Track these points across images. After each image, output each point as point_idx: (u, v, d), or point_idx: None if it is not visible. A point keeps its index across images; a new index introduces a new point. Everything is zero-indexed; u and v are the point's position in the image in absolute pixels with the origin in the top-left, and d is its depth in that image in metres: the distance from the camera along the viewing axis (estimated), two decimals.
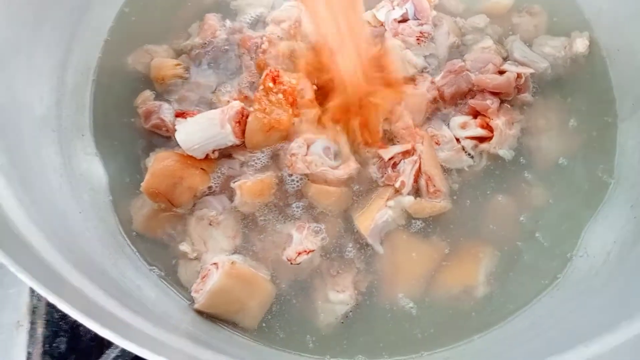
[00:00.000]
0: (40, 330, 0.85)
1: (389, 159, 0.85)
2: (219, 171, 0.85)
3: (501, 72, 0.89)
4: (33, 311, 0.86)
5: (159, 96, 0.90)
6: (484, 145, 0.87)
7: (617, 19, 0.96)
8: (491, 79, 0.88)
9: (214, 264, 0.77)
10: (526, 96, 0.91)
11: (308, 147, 0.85)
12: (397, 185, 0.83)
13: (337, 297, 0.80)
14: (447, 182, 0.86)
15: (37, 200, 0.64)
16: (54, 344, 0.85)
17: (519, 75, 0.89)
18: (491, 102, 0.87)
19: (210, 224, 0.83)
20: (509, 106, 0.90)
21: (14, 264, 0.47)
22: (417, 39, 0.93)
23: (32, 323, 0.85)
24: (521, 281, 0.82)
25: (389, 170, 0.85)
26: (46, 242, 0.58)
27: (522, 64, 0.92)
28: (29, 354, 0.83)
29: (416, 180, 0.84)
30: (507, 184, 0.87)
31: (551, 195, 0.87)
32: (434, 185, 0.84)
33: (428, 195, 0.84)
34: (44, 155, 0.76)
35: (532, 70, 0.91)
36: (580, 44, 0.95)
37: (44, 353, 0.83)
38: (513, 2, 0.99)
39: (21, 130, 0.71)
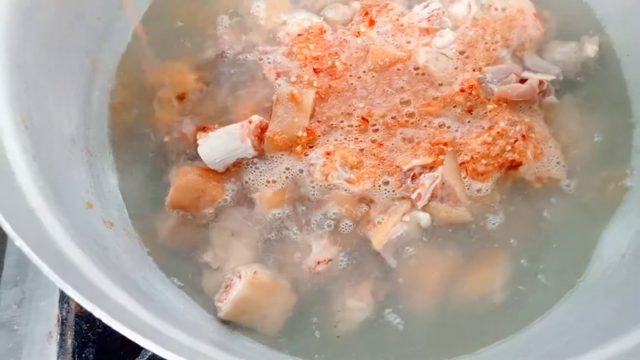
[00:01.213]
0: (69, 341, 0.89)
1: (408, 170, 0.87)
2: (239, 182, 0.88)
3: (522, 81, 0.90)
4: (62, 322, 0.89)
5: (178, 111, 0.93)
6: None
7: (629, 19, 0.96)
8: (514, 88, 0.89)
9: (237, 274, 0.80)
10: (552, 98, 0.92)
11: (327, 158, 0.87)
12: (414, 196, 0.85)
13: (355, 305, 0.83)
14: (467, 194, 0.86)
15: (73, 219, 0.67)
16: (83, 355, 0.88)
17: (540, 82, 0.90)
18: (520, 129, 0.87)
19: (231, 235, 0.86)
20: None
21: (61, 281, 0.50)
22: (429, 20, 0.94)
23: (62, 334, 0.89)
24: (538, 288, 0.83)
25: (408, 181, 0.86)
26: (86, 259, 0.61)
27: (535, 71, 0.93)
28: None
29: (434, 195, 0.85)
30: (525, 192, 0.88)
31: (568, 201, 0.88)
32: (455, 196, 0.86)
33: (447, 203, 0.86)
34: (75, 174, 0.79)
35: (553, 77, 0.91)
36: (590, 49, 0.96)
37: None
38: None
39: (54, 151, 0.75)
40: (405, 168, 0.86)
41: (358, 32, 0.96)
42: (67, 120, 0.81)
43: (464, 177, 0.87)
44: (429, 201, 0.85)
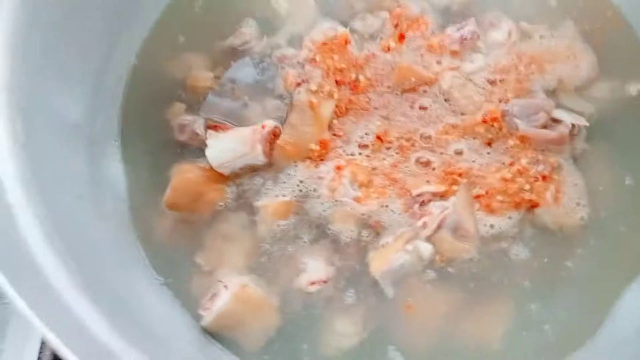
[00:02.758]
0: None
1: (417, 195, 0.83)
2: (242, 188, 0.85)
3: (552, 120, 0.84)
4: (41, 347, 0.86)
5: (189, 107, 0.90)
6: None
7: None
8: (541, 134, 0.83)
9: (225, 284, 0.77)
10: (582, 144, 0.86)
11: (337, 172, 0.84)
12: (419, 224, 0.80)
13: (345, 330, 0.79)
14: (479, 229, 0.81)
15: (57, 212, 0.65)
16: None
17: (573, 126, 0.84)
18: (543, 168, 0.82)
19: (227, 241, 0.83)
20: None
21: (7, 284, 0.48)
22: (461, 43, 0.89)
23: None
24: (542, 340, 0.78)
25: (416, 206, 0.82)
26: (54, 261, 0.59)
27: (569, 110, 0.87)
28: None
29: (441, 225, 0.81)
30: (550, 238, 0.82)
31: (594, 254, 0.82)
32: (464, 230, 0.81)
33: (455, 235, 0.81)
34: (70, 163, 0.77)
35: (586, 123, 0.85)
36: (633, 88, 0.89)
37: None
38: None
39: (49, 139, 0.73)
40: (414, 193, 0.82)
41: (388, 48, 0.91)
42: (72, 105, 0.79)
43: (477, 210, 0.82)
44: (435, 232, 0.80)
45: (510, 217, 0.82)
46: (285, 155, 0.85)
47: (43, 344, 0.86)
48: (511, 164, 0.83)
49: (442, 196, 0.82)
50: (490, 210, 0.82)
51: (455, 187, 0.82)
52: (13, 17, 0.68)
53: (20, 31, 0.69)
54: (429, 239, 0.80)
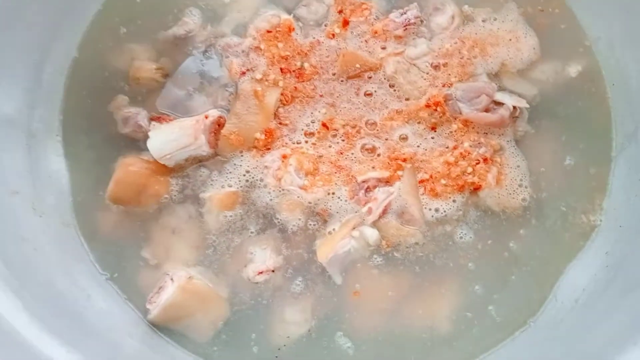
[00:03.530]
0: None
1: (363, 181, 0.83)
2: (188, 179, 0.84)
3: (495, 103, 0.85)
4: None
5: (132, 98, 0.88)
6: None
7: (617, 48, 0.91)
8: (481, 117, 0.84)
9: (171, 278, 0.77)
10: (524, 125, 0.87)
11: (283, 161, 0.84)
12: (364, 210, 0.81)
13: (294, 318, 0.79)
14: (424, 213, 0.82)
15: None
16: None
17: (514, 108, 0.85)
18: (485, 151, 0.83)
19: (173, 233, 0.83)
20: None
21: None
22: (405, 28, 0.89)
23: None
24: (486, 321, 0.80)
25: (361, 193, 0.83)
26: None
27: (511, 92, 0.88)
28: None
29: (386, 210, 0.81)
30: (486, 223, 0.84)
31: (537, 234, 0.84)
32: (410, 215, 0.82)
33: (401, 219, 0.82)
34: (7, 159, 0.75)
35: (526, 105, 0.86)
36: (573, 69, 0.91)
37: None
38: None
39: None
40: (360, 179, 0.83)
41: (333, 34, 0.91)
42: (6, 100, 0.77)
43: (422, 195, 0.83)
44: (380, 217, 0.81)
45: (454, 201, 0.83)
46: (230, 145, 0.84)
47: None
48: (455, 147, 0.84)
49: (387, 182, 0.83)
50: (435, 194, 0.83)
51: (400, 173, 0.83)
52: None
53: None
54: (374, 224, 0.81)
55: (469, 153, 0.83)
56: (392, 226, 0.81)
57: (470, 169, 0.82)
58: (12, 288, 0.57)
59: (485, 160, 0.82)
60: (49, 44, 0.86)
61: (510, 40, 0.91)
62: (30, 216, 0.74)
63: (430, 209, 0.83)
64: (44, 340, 0.55)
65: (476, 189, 0.82)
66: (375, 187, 0.82)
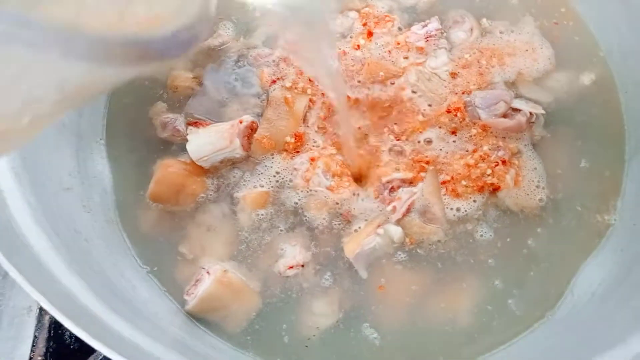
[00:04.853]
0: (47, 316, 0.91)
1: (387, 182, 0.88)
2: (221, 180, 0.90)
3: (513, 109, 0.90)
4: None
5: (171, 105, 0.95)
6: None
7: (631, 57, 0.96)
8: (499, 123, 0.89)
9: (207, 270, 0.82)
10: (540, 130, 0.92)
11: (311, 164, 0.89)
12: (389, 209, 0.85)
13: (322, 310, 0.83)
14: (445, 213, 0.87)
15: (46, 201, 0.69)
16: (59, 331, 0.91)
17: (530, 114, 0.90)
18: (503, 154, 0.88)
19: (208, 230, 0.88)
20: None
21: (13, 269, 0.52)
22: (426, 40, 0.95)
23: (41, 309, 0.92)
24: (506, 314, 0.83)
25: (386, 192, 0.87)
26: (46, 243, 0.63)
27: (528, 99, 0.93)
28: (35, 337, 0.89)
29: (409, 210, 0.86)
30: (505, 222, 0.88)
31: (554, 232, 0.87)
32: (432, 214, 0.86)
33: (424, 218, 0.86)
34: (58, 158, 0.82)
35: (542, 111, 0.91)
36: (586, 78, 0.96)
37: (49, 338, 0.89)
38: None
39: (40, 136, 0.77)
40: (384, 180, 0.87)
41: (358, 45, 0.97)
42: None
43: (444, 195, 0.87)
44: (404, 215, 0.85)
45: (474, 201, 0.88)
46: (262, 148, 0.90)
47: (35, 339, 0.90)
48: (475, 151, 0.88)
49: (411, 182, 0.87)
50: (456, 195, 0.87)
51: (422, 174, 0.87)
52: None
53: None
54: (398, 222, 0.85)
55: (488, 156, 0.87)
56: (415, 224, 0.85)
57: (489, 171, 0.87)
58: (76, 270, 0.63)
59: (503, 162, 0.87)
60: None
61: (526, 50, 0.97)
62: (81, 212, 0.80)
63: (452, 209, 0.87)
64: (110, 315, 0.60)
65: (495, 189, 0.87)
66: (399, 187, 0.87)
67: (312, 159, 0.89)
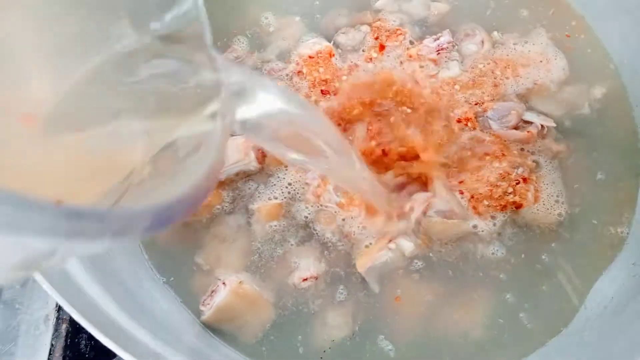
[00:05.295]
0: (64, 325, 0.93)
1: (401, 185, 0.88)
2: (237, 192, 0.91)
3: (524, 122, 0.92)
4: (60, 307, 0.94)
5: None
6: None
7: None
8: (512, 134, 0.90)
9: (223, 282, 0.83)
10: (551, 143, 0.92)
11: (322, 180, 0.90)
12: (407, 209, 0.86)
13: (336, 322, 0.84)
14: (463, 205, 0.87)
15: None
16: (75, 340, 0.92)
17: (542, 127, 0.91)
18: (522, 171, 0.88)
19: (224, 241, 0.89)
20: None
21: (43, 280, 0.53)
22: (438, 52, 0.96)
23: (58, 318, 0.93)
24: (517, 329, 0.83)
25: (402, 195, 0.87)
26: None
27: (539, 112, 0.94)
28: (52, 346, 0.91)
29: (426, 211, 0.86)
30: (520, 238, 0.88)
31: (569, 247, 0.87)
32: (451, 209, 0.86)
33: (445, 216, 0.86)
34: None
35: (553, 124, 0.92)
36: (598, 91, 0.96)
37: (66, 347, 0.91)
38: None
39: None
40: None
41: (370, 58, 0.98)
42: None
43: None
44: (424, 213, 0.85)
45: (493, 217, 0.88)
46: (275, 161, 0.91)
47: (52, 348, 0.91)
48: (486, 154, 0.89)
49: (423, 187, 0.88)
50: (477, 212, 0.87)
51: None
52: None
53: None
54: (418, 224, 0.85)
55: (508, 174, 0.88)
56: (438, 223, 0.86)
57: (511, 189, 0.87)
58: (101, 282, 0.64)
59: (524, 180, 0.87)
60: None
61: (541, 61, 0.97)
62: None
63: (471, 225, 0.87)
64: (132, 325, 0.61)
65: (518, 207, 0.87)
66: (415, 191, 0.87)
67: (323, 177, 0.90)
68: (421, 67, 0.95)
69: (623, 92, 0.98)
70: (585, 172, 0.92)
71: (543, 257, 0.87)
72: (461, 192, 0.88)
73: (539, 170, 0.91)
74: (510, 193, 0.87)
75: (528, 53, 0.99)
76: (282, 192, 0.90)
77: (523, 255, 0.87)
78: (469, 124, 0.90)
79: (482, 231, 0.87)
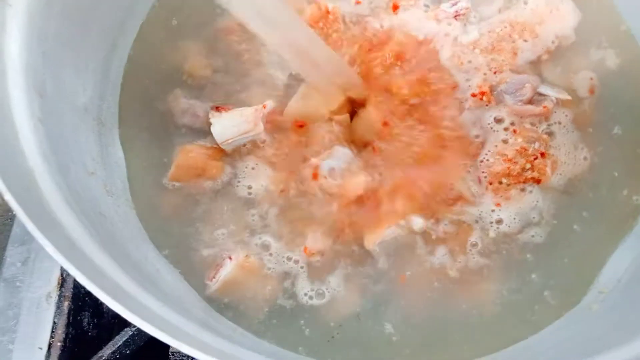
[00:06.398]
0: (66, 303, 0.91)
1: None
2: (242, 163, 0.89)
3: (539, 94, 0.89)
4: (62, 285, 0.92)
5: (189, 91, 0.94)
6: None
7: None
8: (527, 110, 0.88)
9: (229, 255, 0.81)
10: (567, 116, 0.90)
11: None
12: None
13: (345, 298, 0.82)
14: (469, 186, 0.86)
15: (73, 184, 0.69)
16: (77, 317, 0.91)
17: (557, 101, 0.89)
18: (539, 145, 0.86)
19: (228, 215, 0.86)
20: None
21: (49, 244, 0.52)
22: (455, 17, 0.93)
23: (60, 296, 0.91)
24: (541, 305, 0.82)
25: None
26: (76, 223, 0.63)
27: (553, 85, 0.91)
28: (55, 323, 0.89)
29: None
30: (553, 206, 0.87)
31: (580, 219, 0.86)
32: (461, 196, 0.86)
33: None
34: (83, 143, 0.81)
35: (569, 97, 0.90)
36: (612, 62, 0.94)
37: (68, 325, 0.89)
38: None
39: (64, 118, 0.77)
40: None
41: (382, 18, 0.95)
42: (81, 90, 0.83)
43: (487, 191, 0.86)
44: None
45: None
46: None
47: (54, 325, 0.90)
48: (505, 141, 0.87)
49: None
50: (499, 191, 0.85)
51: None
52: (27, 7, 0.72)
53: (35, 19, 0.73)
54: None
55: (525, 150, 0.86)
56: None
57: (529, 165, 0.85)
58: (108, 251, 0.63)
59: (542, 155, 0.85)
60: (115, 40, 0.93)
61: (551, 12, 0.94)
62: (105, 196, 0.79)
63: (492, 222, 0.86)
64: (141, 294, 0.60)
65: (537, 182, 0.85)
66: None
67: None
68: (434, 33, 0.93)
69: (636, 52, 0.95)
70: (602, 126, 0.91)
71: (574, 227, 0.85)
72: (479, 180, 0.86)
73: (554, 137, 0.89)
74: (528, 169, 0.85)
75: (537, 8, 0.95)
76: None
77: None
78: (484, 97, 0.88)
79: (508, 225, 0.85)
